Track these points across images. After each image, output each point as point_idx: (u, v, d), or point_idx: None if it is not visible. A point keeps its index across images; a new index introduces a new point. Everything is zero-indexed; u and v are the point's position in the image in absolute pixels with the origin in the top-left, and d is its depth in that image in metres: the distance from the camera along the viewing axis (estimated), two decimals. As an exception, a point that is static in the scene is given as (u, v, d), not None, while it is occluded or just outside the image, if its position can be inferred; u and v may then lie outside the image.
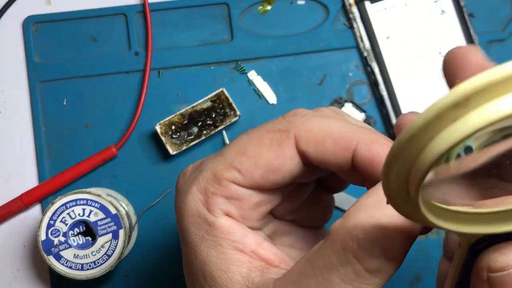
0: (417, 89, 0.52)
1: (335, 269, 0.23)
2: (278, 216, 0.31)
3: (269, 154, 0.27)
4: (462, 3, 0.53)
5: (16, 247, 0.52)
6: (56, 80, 0.52)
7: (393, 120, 0.52)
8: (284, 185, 0.28)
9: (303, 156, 0.27)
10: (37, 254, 0.52)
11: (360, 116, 0.52)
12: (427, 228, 0.24)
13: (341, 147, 0.26)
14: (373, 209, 0.23)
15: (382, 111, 0.52)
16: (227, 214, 0.27)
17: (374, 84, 0.52)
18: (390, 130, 0.52)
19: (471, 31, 0.53)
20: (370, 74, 0.53)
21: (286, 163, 0.27)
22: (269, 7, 0.53)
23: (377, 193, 0.23)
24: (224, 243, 0.26)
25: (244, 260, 0.26)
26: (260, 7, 0.53)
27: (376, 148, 0.25)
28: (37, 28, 0.53)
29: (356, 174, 0.27)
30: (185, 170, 0.29)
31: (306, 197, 0.31)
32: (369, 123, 0.52)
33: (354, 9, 0.52)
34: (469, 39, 0.53)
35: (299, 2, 0.53)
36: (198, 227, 0.27)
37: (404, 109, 0.52)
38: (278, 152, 0.27)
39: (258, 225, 0.29)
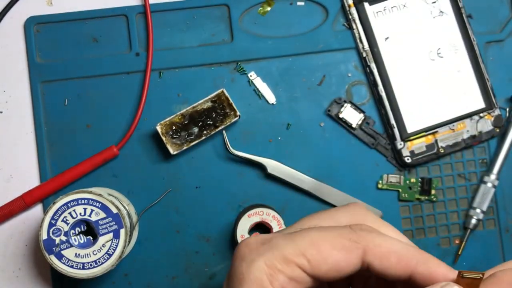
0: (416, 90, 0.52)
1: None
2: None
3: (339, 257, 0.31)
4: (460, 4, 0.53)
5: (18, 247, 0.52)
6: (57, 81, 0.53)
7: (392, 120, 0.52)
8: (334, 281, 0.32)
9: (366, 266, 0.32)
10: (39, 253, 0.52)
11: (359, 116, 0.52)
12: None
13: (403, 263, 0.31)
14: None
15: (381, 111, 0.53)
16: None
17: (373, 85, 0.53)
18: (388, 130, 0.52)
19: (470, 32, 0.53)
20: (369, 74, 0.53)
21: (349, 267, 0.31)
22: (269, 8, 0.54)
23: None
24: None
25: None
26: (260, 8, 0.53)
27: (432, 266, 0.32)
28: (38, 29, 0.53)
29: (405, 284, 0.33)
30: (248, 241, 0.33)
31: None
32: (368, 123, 0.53)
33: (353, 10, 0.53)
34: (468, 40, 0.53)
35: (299, 3, 0.54)
36: None
37: (403, 110, 0.52)
38: (346, 257, 0.31)
39: None
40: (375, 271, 0.32)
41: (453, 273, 0.31)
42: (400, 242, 0.33)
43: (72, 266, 0.46)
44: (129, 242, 0.47)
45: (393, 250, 0.32)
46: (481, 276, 0.30)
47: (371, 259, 0.32)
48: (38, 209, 0.52)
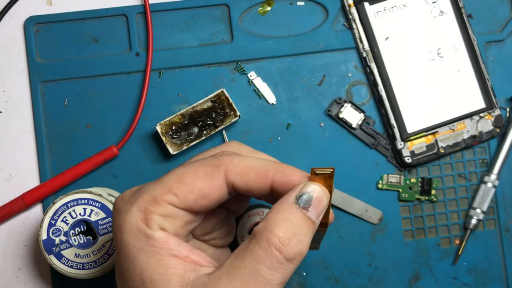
0: (416, 90, 0.52)
1: (262, 260, 0.30)
2: (196, 235, 0.37)
3: (202, 183, 0.33)
4: (460, 4, 0.53)
5: (18, 247, 0.52)
6: (57, 80, 0.53)
7: (392, 120, 0.52)
8: (209, 209, 0.35)
9: (231, 187, 0.34)
10: (38, 254, 0.52)
11: (359, 116, 0.52)
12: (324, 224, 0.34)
13: (261, 176, 0.34)
14: (287, 213, 0.32)
15: (381, 111, 0.53)
16: (162, 229, 0.33)
17: (373, 85, 0.53)
18: (388, 130, 0.52)
19: (470, 31, 0.53)
20: (369, 74, 0.53)
21: (216, 192, 0.34)
22: (269, 8, 0.54)
23: (288, 201, 0.32)
24: (161, 251, 0.32)
25: (179, 263, 0.32)
26: (260, 8, 0.53)
27: (288, 173, 0.34)
28: (38, 29, 0.53)
29: (273, 198, 0.35)
30: (123, 194, 0.35)
31: (218, 221, 0.38)
32: (368, 123, 0.53)
33: (353, 10, 0.53)
34: (468, 40, 0.53)
35: (299, 3, 0.54)
36: (137, 240, 0.32)
37: (403, 109, 0.52)
38: (210, 182, 0.33)
39: (185, 240, 0.36)
40: (238, 189, 0.34)
41: (308, 177, 0.34)
42: (259, 159, 0.35)
43: (72, 266, 0.46)
44: (129, 242, 0.46)
45: (251, 165, 0.34)
46: (332, 170, 0.33)
47: (233, 178, 0.34)
48: (38, 209, 0.52)
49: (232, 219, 0.41)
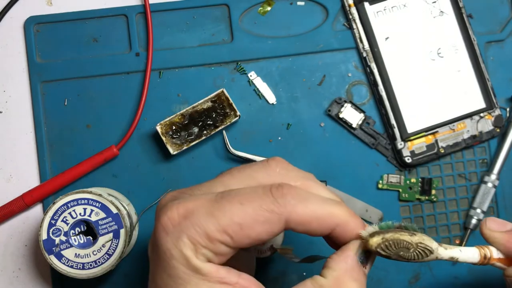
0: (416, 89, 0.52)
1: None
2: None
3: (261, 230, 0.32)
4: (461, 4, 0.53)
5: (18, 247, 0.52)
6: (57, 81, 0.53)
7: (392, 120, 0.52)
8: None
9: (287, 229, 0.33)
10: (39, 254, 0.52)
11: (359, 116, 0.52)
12: None
13: (323, 228, 0.33)
14: (355, 273, 0.33)
15: (381, 111, 0.53)
16: (209, 261, 0.33)
17: (373, 85, 0.53)
18: (389, 130, 0.52)
19: (470, 31, 0.53)
20: (369, 74, 0.53)
21: (270, 237, 0.33)
22: (269, 8, 0.53)
23: (353, 259, 0.33)
24: (211, 279, 0.32)
25: None
26: (260, 8, 0.53)
27: (351, 228, 0.34)
28: (38, 29, 0.53)
29: (328, 240, 0.36)
30: (170, 214, 0.33)
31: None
32: (368, 123, 0.53)
33: (353, 10, 0.53)
34: (468, 40, 0.53)
35: (299, 3, 0.54)
36: (187, 267, 0.32)
37: (403, 109, 0.52)
38: (269, 230, 0.32)
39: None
40: (297, 231, 0.34)
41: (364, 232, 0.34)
42: (321, 203, 0.34)
43: (72, 266, 0.46)
44: (129, 242, 0.46)
45: (315, 215, 0.33)
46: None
47: (293, 226, 0.33)
48: (38, 209, 0.52)
49: (252, 257, 0.41)
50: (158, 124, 0.50)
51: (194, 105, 0.50)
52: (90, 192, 0.46)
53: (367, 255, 0.34)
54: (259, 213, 0.32)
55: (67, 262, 0.46)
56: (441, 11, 0.53)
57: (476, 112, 0.53)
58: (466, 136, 0.53)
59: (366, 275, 0.34)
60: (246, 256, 0.39)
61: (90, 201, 0.46)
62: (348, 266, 0.33)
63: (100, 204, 0.46)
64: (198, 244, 0.32)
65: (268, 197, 0.33)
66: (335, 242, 0.35)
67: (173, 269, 0.32)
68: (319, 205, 0.34)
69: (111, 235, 0.46)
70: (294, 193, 0.33)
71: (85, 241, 0.46)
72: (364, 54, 0.52)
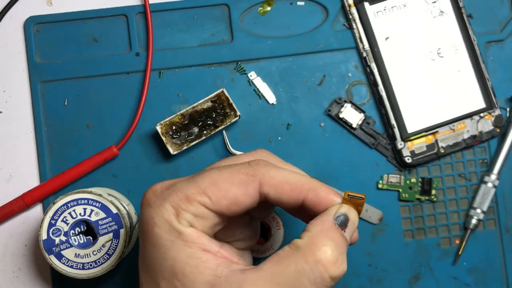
0: (416, 90, 0.52)
1: (307, 274, 0.31)
2: (219, 238, 0.37)
3: (236, 191, 0.34)
4: (461, 4, 0.53)
5: (18, 247, 0.52)
6: (57, 81, 0.53)
7: (392, 120, 0.52)
8: (237, 215, 0.35)
9: (263, 197, 0.35)
10: (39, 254, 0.52)
11: (359, 116, 0.52)
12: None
13: (295, 191, 0.35)
14: (331, 233, 0.33)
15: (381, 111, 0.53)
16: (192, 226, 0.34)
17: (373, 85, 0.53)
18: (389, 130, 0.52)
19: (470, 31, 0.53)
20: (369, 74, 0.53)
21: (247, 200, 0.34)
22: (269, 8, 0.53)
23: (329, 221, 0.34)
24: (193, 246, 0.33)
25: (211, 258, 0.33)
26: (260, 8, 0.53)
27: (322, 192, 0.35)
28: (38, 29, 0.53)
29: (302, 212, 0.36)
30: (154, 188, 0.36)
31: (241, 225, 0.39)
32: (368, 123, 0.53)
33: (353, 10, 0.53)
34: (468, 40, 0.53)
35: (299, 3, 0.54)
36: (170, 233, 0.33)
37: (403, 109, 0.52)
38: (244, 190, 0.34)
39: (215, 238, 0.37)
40: (271, 200, 0.35)
41: (340, 198, 0.35)
42: (293, 172, 0.36)
43: (72, 266, 0.46)
44: (129, 242, 0.46)
45: (286, 179, 0.35)
46: (364, 197, 0.35)
47: (267, 190, 0.35)
48: (38, 209, 0.52)
49: (257, 223, 0.41)
50: (158, 124, 0.50)
51: (194, 105, 0.50)
52: (90, 192, 0.46)
53: (345, 218, 0.34)
54: (235, 175, 0.34)
55: (67, 262, 0.46)
56: (441, 11, 0.53)
57: (476, 112, 0.53)
58: (466, 136, 0.53)
59: (347, 239, 0.34)
60: (249, 230, 0.40)
61: (90, 201, 0.46)
62: (324, 227, 0.33)
63: (100, 204, 0.46)
64: (179, 208, 0.33)
65: (245, 165, 0.35)
66: (312, 216, 0.35)
67: (156, 237, 0.33)
68: (291, 172, 0.35)
69: (111, 235, 0.46)
70: (268, 163, 0.36)
71: (85, 241, 0.46)
72: (364, 54, 0.52)
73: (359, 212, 0.36)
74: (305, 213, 0.36)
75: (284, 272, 0.32)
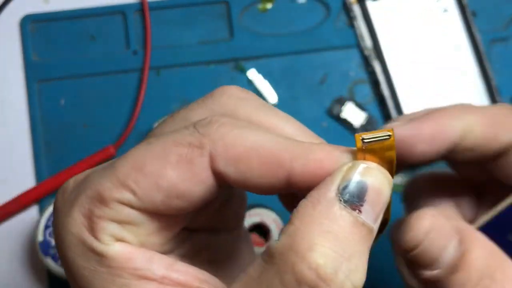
0: (419, 88, 0.52)
1: None
2: (194, 229, 0.25)
3: (174, 174, 0.21)
4: (464, 2, 0.53)
5: (14, 248, 0.52)
6: (53, 80, 0.52)
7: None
8: (189, 211, 0.22)
9: (221, 178, 0.21)
10: (35, 255, 0.52)
11: (362, 115, 0.52)
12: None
13: (271, 164, 0.21)
14: (326, 221, 0.19)
15: (384, 110, 0.52)
16: (120, 240, 0.21)
17: (375, 83, 0.52)
18: (392, 130, 0.52)
19: (474, 29, 0.53)
20: (371, 73, 0.52)
21: (196, 187, 0.21)
22: (269, 5, 0.53)
23: (324, 198, 0.19)
24: (124, 274, 0.21)
25: None
26: (260, 5, 0.53)
27: (316, 156, 0.20)
28: (34, 27, 0.53)
29: (290, 196, 0.24)
30: (65, 185, 0.23)
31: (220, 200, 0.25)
32: (370, 123, 0.52)
33: (356, 7, 0.52)
34: (472, 38, 0.53)
35: (300, 1, 0.53)
36: (86, 258, 0.21)
37: (405, 109, 0.51)
38: (186, 173, 0.21)
39: (166, 249, 0.23)
40: (232, 183, 0.21)
41: (347, 154, 0.20)
42: (268, 134, 0.21)
43: (68, 269, 0.45)
44: (126, 244, 0.46)
45: (253, 145, 0.21)
46: (391, 134, 0.19)
47: (223, 166, 0.21)
48: (34, 210, 0.52)
49: (235, 203, 0.27)
50: (156, 123, 0.50)
51: (193, 104, 0.50)
52: (87, 193, 0.45)
53: (360, 187, 0.19)
54: (170, 148, 0.21)
55: (63, 265, 0.45)
56: (445, 9, 0.53)
57: (480, 111, 0.52)
58: (470, 135, 0.52)
59: (366, 225, 0.20)
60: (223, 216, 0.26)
61: (87, 202, 0.45)
62: (316, 211, 0.19)
63: (97, 206, 0.45)
64: (92, 215, 0.21)
65: (187, 129, 0.21)
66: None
67: (71, 266, 0.21)
68: (266, 136, 0.21)
69: (108, 237, 0.45)
70: (226, 120, 0.21)
71: (82, 243, 0.45)
72: (367, 53, 0.52)
73: (390, 166, 0.20)
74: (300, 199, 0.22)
75: None
